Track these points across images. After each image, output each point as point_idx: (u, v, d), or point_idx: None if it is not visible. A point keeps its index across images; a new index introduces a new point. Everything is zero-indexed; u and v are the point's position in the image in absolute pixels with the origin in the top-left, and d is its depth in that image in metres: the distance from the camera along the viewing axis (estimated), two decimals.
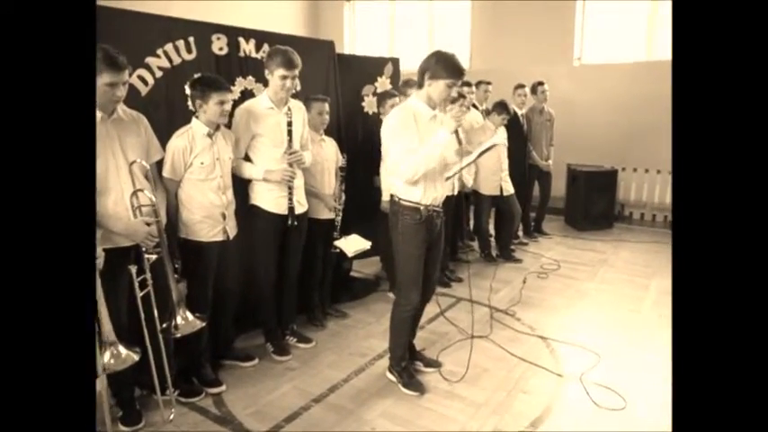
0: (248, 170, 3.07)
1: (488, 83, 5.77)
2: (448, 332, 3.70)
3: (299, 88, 3.64)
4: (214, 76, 2.90)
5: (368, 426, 2.64)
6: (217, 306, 2.93)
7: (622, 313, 4.08)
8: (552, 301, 4.31)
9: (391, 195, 2.87)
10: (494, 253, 5.42)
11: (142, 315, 2.41)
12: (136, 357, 2.25)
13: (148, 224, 2.40)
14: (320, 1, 9.85)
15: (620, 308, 4.18)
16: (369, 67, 4.49)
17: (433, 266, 2.98)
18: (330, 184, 3.67)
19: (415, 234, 2.78)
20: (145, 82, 2.91)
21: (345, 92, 4.19)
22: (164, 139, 2.69)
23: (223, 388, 2.91)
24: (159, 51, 2.96)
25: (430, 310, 3.33)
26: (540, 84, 6.04)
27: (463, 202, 5.30)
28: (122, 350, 2.22)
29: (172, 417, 2.63)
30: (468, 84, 5.00)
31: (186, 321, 2.52)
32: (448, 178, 2.86)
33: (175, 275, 2.55)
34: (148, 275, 2.42)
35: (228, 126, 2.98)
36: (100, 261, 2.24)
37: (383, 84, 4.48)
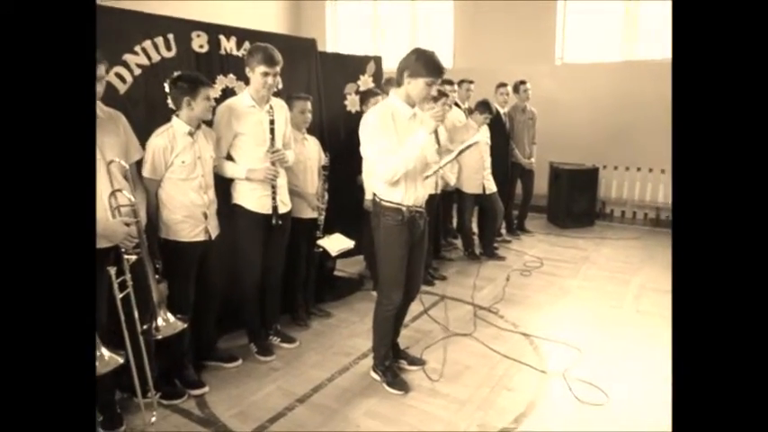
0: (230, 169, 3.04)
1: (471, 81, 5.78)
2: (432, 330, 3.70)
3: (280, 86, 3.62)
4: (195, 72, 2.87)
5: (353, 425, 2.63)
6: (199, 307, 2.90)
7: (604, 309, 4.12)
8: (535, 299, 4.34)
9: (373, 196, 2.85)
10: (477, 251, 5.44)
11: (122, 317, 2.37)
12: (120, 360, 2.20)
13: (128, 225, 2.36)
14: (302, 0, 9.80)
15: (601, 304, 4.22)
16: (351, 66, 4.47)
17: (418, 266, 2.97)
18: (313, 183, 3.65)
19: (397, 235, 2.76)
20: (123, 80, 2.87)
21: (328, 90, 4.17)
22: (143, 137, 2.65)
23: (206, 389, 2.88)
24: (137, 48, 2.92)
25: (414, 308, 3.33)
26: (523, 82, 6.07)
27: (446, 201, 5.33)
28: (105, 352, 2.17)
29: (154, 420, 2.60)
30: (450, 82, 5.01)
31: (167, 323, 2.48)
32: (427, 177, 2.83)
33: (156, 276, 2.52)
34: (128, 277, 2.38)
35: (209, 124, 2.95)
36: None
37: (366, 82, 4.47)
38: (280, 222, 3.14)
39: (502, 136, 5.70)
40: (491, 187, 5.26)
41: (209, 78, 2.92)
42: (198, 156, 2.75)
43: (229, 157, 3.06)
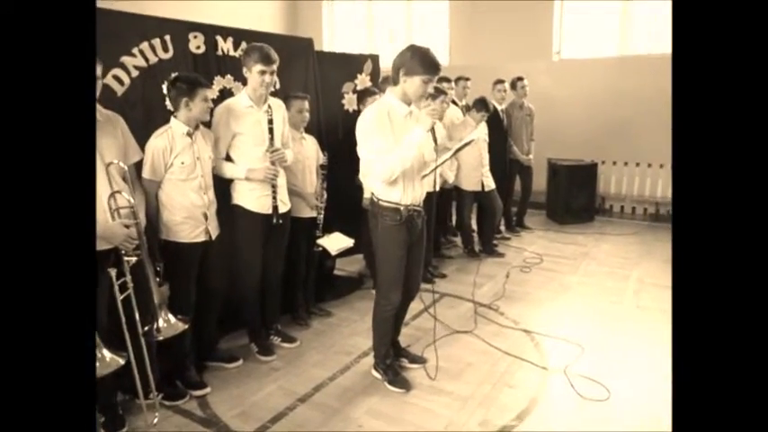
0: (230, 170, 3.04)
1: (467, 79, 5.79)
2: (432, 328, 3.70)
3: (278, 86, 3.62)
4: (193, 74, 2.87)
5: (354, 424, 2.64)
6: (200, 307, 2.91)
7: (604, 305, 4.12)
8: (535, 295, 4.34)
9: (371, 195, 2.84)
10: (476, 248, 5.44)
11: (123, 318, 2.37)
12: (121, 361, 2.20)
13: (127, 226, 2.36)
14: (298, 1, 9.79)
15: (602, 300, 4.23)
16: (348, 65, 4.47)
17: (417, 265, 2.96)
18: (312, 182, 3.65)
19: (395, 235, 2.75)
20: (121, 82, 2.86)
21: (325, 89, 4.17)
22: (141, 139, 2.65)
23: (208, 390, 2.88)
24: (135, 50, 2.92)
25: (414, 306, 3.33)
26: (520, 79, 6.07)
27: (445, 199, 5.33)
28: (107, 354, 2.17)
29: (156, 421, 2.60)
30: (447, 80, 5.01)
31: (168, 324, 2.49)
32: (424, 176, 2.82)
33: (157, 278, 2.52)
34: (128, 278, 2.38)
35: (207, 125, 2.95)
36: None
37: (363, 81, 4.47)
38: (280, 221, 3.14)
39: (500, 133, 5.70)
40: (490, 184, 5.26)
41: (206, 79, 2.92)
42: (197, 156, 2.75)
43: (228, 158, 3.06)
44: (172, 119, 2.74)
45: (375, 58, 4.58)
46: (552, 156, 7.07)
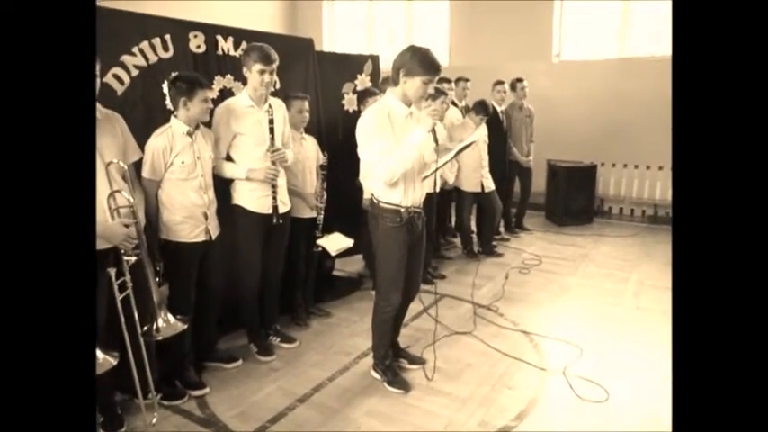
0: (230, 170, 3.03)
1: (467, 80, 5.79)
2: (431, 329, 3.70)
3: (278, 86, 3.62)
4: (194, 73, 2.86)
5: (353, 424, 2.63)
6: (200, 307, 2.90)
7: (603, 307, 4.12)
8: (534, 296, 4.34)
9: (371, 197, 2.83)
10: (476, 249, 5.44)
11: (122, 318, 2.37)
12: (113, 361, 2.20)
13: (127, 226, 2.36)
14: (298, 1, 9.79)
15: (601, 301, 4.23)
16: (348, 65, 4.47)
17: (416, 267, 2.96)
18: (311, 182, 3.65)
19: (395, 236, 2.74)
20: (121, 81, 2.86)
21: (325, 90, 4.17)
22: (141, 139, 2.65)
23: (207, 390, 2.88)
24: (135, 49, 2.91)
25: (413, 307, 3.32)
26: (520, 80, 6.07)
27: (445, 200, 5.33)
28: (99, 354, 2.17)
29: (155, 421, 2.59)
30: (447, 80, 5.01)
31: (168, 324, 2.48)
32: (425, 177, 2.81)
33: (157, 278, 2.51)
34: (128, 278, 2.38)
35: (208, 125, 2.95)
36: None
37: (363, 82, 4.47)
38: (280, 222, 3.14)
39: (499, 134, 5.70)
40: (489, 185, 5.26)
41: (206, 79, 2.91)
42: (197, 156, 2.75)
43: (228, 158, 3.06)
44: (172, 118, 2.74)
45: (375, 59, 4.58)
46: (551, 157, 7.08)
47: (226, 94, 3.34)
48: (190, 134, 2.72)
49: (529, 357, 3.28)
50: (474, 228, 5.59)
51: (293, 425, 2.63)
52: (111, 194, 2.34)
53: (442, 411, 2.74)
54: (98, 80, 2.31)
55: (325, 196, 3.78)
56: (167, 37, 3.05)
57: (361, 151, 2.72)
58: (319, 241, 3.72)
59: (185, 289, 2.80)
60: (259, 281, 3.24)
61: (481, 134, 5.02)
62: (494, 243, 5.55)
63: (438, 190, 4.45)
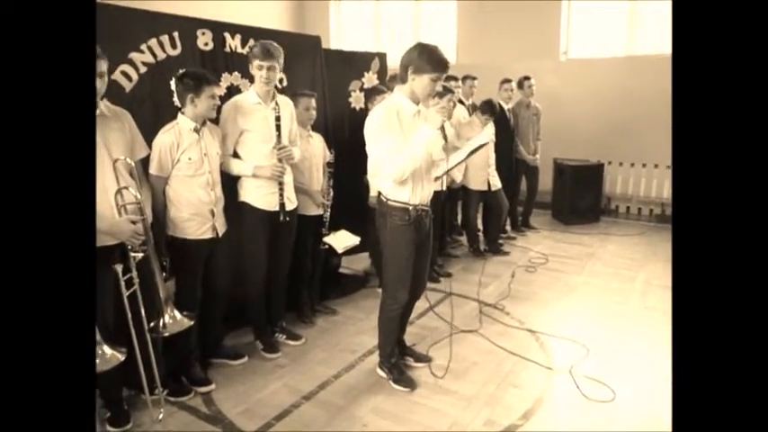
0: (237, 167, 3.04)
1: (474, 78, 5.76)
2: (437, 327, 3.70)
3: (285, 83, 3.62)
4: (201, 70, 2.87)
5: (359, 422, 2.63)
6: (206, 304, 2.91)
7: (610, 306, 4.11)
8: (541, 295, 4.33)
9: (378, 195, 2.82)
10: (482, 247, 5.43)
11: (129, 314, 2.38)
12: (121, 357, 2.21)
13: (134, 222, 2.36)
14: (306, 0, 9.79)
15: (607, 300, 4.21)
16: (355, 63, 4.46)
17: (423, 265, 2.96)
18: (318, 180, 3.65)
19: (404, 234, 2.74)
20: (129, 78, 2.87)
21: (332, 87, 4.17)
22: (149, 135, 2.65)
23: (212, 387, 2.89)
24: (143, 46, 2.92)
25: (419, 305, 3.32)
26: (527, 78, 6.05)
27: (451, 198, 5.31)
28: (107, 350, 2.18)
29: (161, 417, 2.61)
30: (454, 78, 4.99)
31: (174, 320, 2.49)
32: (437, 178, 2.79)
33: (164, 274, 2.52)
34: (134, 274, 2.38)
35: (215, 122, 2.95)
36: None
37: (370, 79, 4.46)
38: (287, 219, 3.14)
39: (506, 132, 5.68)
40: (496, 184, 5.25)
41: (214, 76, 2.91)
42: (204, 152, 2.75)
43: (235, 155, 3.06)
44: (179, 115, 2.74)
45: (382, 57, 4.57)
46: (558, 156, 7.05)
47: (233, 91, 3.34)
48: (197, 131, 2.73)
49: (535, 356, 3.27)
50: (480, 226, 5.58)
51: (299, 422, 2.63)
52: (119, 191, 2.35)
53: (448, 410, 2.73)
54: (106, 77, 2.32)
55: (331, 194, 3.77)
56: (175, 34, 3.05)
57: (369, 149, 2.71)
58: (326, 239, 3.72)
59: (192, 286, 2.81)
60: (265, 278, 3.24)
61: (490, 134, 5.00)
62: (500, 241, 5.54)
63: (445, 188, 4.47)
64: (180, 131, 2.69)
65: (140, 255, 2.40)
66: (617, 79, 7.08)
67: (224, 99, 3.12)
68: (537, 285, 4.56)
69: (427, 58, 2.53)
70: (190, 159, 2.70)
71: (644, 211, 7.16)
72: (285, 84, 3.66)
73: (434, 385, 2.96)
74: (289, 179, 3.18)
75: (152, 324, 2.47)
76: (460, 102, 5.35)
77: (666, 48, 6.88)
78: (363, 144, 2.76)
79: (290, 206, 3.20)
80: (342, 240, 3.78)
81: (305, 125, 3.51)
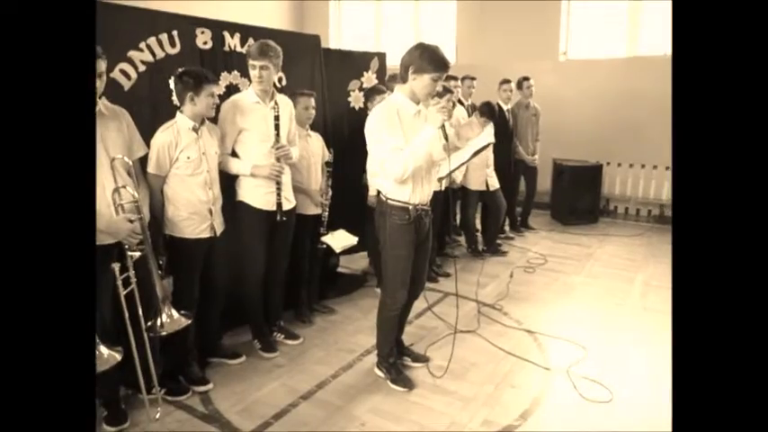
0: (235, 166, 3.03)
1: (473, 78, 5.76)
2: (436, 327, 3.70)
3: (284, 83, 3.62)
4: (200, 69, 2.86)
5: (357, 422, 2.63)
6: (204, 303, 2.90)
7: (608, 306, 4.11)
8: (539, 296, 4.33)
9: (378, 194, 2.82)
10: (480, 248, 5.43)
11: (126, 313, 2.37)
12: (118, 357, 2.21)
13: (131, 221, 2.36)
14: (306, 1, 9.79)
15: (606, 301, 4.21)
16: (355, 63, 4.46)
17: (422, 265, 2.96)
18: (317, 179, 3.65)
19: (403, 234, 2.73)
20: (128, 76, 2.86)
21: (331, 87, 4.16)
22: (148, 134, 2.65)
23: (210, 386, 2.88)
24: (142, 45, 2.91)
25: (418, 305, 3.32)
26: (526, 79, 6.05)
27: (450, 198, 5.31)
28: (104, 350, 2.17)
29: (158, 416, 2.60)
30: (454, 78, 4.99)
31: (172, 319, 2.49)
32: (441, 179, 2.78)
33: (160, 272, 2.52)
34: (132, 273, 2.38)
35: (214, 121, 2.95)
36: None
37: (369, 79, 4.46)
38: (284, 219, 3.14)
39: (505, 133, 5.68)
40: (494, 184, 5.25)
41: (213, 75, 2.90)
42: (203, 151, 2.74)
43: (234, 154, 3.06)
44: (178, 113, 2.73)
45: (382, 56, 4.57)
46: (557, 156, 7.06)
47: (232, 90, 3.34)
48: (195, 129, 2.72)
49: (533, 357, 3.27)
50: (479, 226, 5.58)
51: (296, 422, 2.63)
52: (116, 190, 2.34)
53: (446, 410, 2.73)
54: (105, 76, 2.32)
55: (330, 193, 3.77)
56: (174, 33, 3.04)
57: (370, 148, 2.72)
58: (324, 238, 3.72)
59: (189, 285, 2.80)
60: (263, 277, 3.24)
61: (491, 136, 4.99)
62: (499, 242, 5.54)
63: (444, 188, 4.47)
64: (178, 130, 2.69)
65: (138, 254, 2.40)
66: (616, 80, 7.09)
67: (223, 98, 3.12)
68: (535, 286, 4.56)
69: (428, 58, 2.54)
70: (188, 158, 2.69)
71: (642, 211, 7.17)
72: (284, 83, 3.66)
73: (432, 385, 2.96)
74: (287, 179, 3.17)
75: (149, 323, 2.47)
76: (460, 102, 5.35)
77: (665, 48, 6.88)
78: (362, 144, 2.75)
79: (288, 206, 3.19)
80: (340, 240, 3.77)
81: (304, 124, 3.51)
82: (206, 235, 2.81)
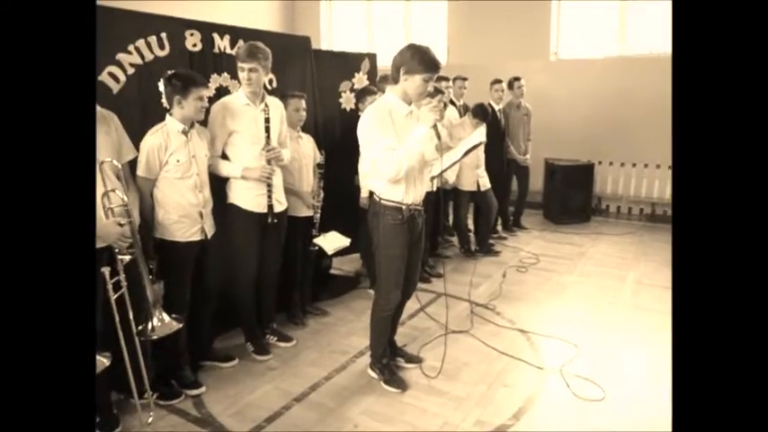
0: (226, 168, 3.02)
1: (464, 78, 5.77)
2: (429, 327, 3.70)
3: (275, 84, 3.61)
4: (190, 71, 2.85)
5: (350, 423, 2.63)
6: (195, 307, 2.89)
7: (601, 305, 4.12)
8: (532, 295, 4.34)
9: (371, 195, 2.82)
10: (473, 248, 5.44)
11: (116, 318, 2.36)
12: (106, 362, 2.19)
13: (121, 225, 2.34)
14: (296, 0, 9.78)
15: (598, 300, 4.23)
16: (346, 64, 4.46)
17: (415, 265, 2.95)
18: (308, 181, 3.64)
19: (397, 234, 2.73)
20: (116, 79, 2.84)
21: (322, 88, 4.16)
22: (137, 137, 2.63)
23: (203, 389, 2.87)
24: (131, 47, 2.89)
25: (410, 306, 3.32)
26: (517, 79, 6.06)
27: (441, 199, 5.32)
28: None
29: (150, 420, 2.58)
30: (445, 78, 5.00)
31: (163, 323, 2.47)
32: (433, 178, 2.79)
33: (150, 276, 2.50)
34: (122, 277, 2.36)
35: (204, 123, 2.93)
36: None
37: (360, 80, 4.46)
38: (275, 221, 3.13)
39: (497, 133, 5.69)
40: (485, 184, 5.26)
41: (203, 77, 2.88)
42: (193, 154, 2.73)
43: (224, 156, 3.05)
44: (167, 116, 2.72)
45: (372, 57, 4.57)
46: (549, 156, 7.08)
47: (222, 92, 3.32)
48: (185, 132, 2.71)
49: (526, 356, 3.28)
50: (471, 226, 5.59)
51: (289, 424, 2.62)
52: (105, 193, 2.33)
53: (439, 410, 2.73)
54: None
55: (322, 195, 3.77)
56: (163, 35, 3.03)
57: (363, 149, 2.72)
58: (316, 240, 3.71)
59: (181, 288, 2.79)
60: (255, 280, 3.23)
61: (483, 136, 5.00)
62: (491, 242, 5.55)
63: (436, 189, 4.47)
64: (168, 133, 2.67)
65: (128, 257, 2.38)
66: (607, 79, 7.11)
67: (213, 100, 3.10)
68: (528, 285, 4.57)
69: (419, 59, 2.55)
70: (178, 161, 2.68)
71: (634, 210, 7.20)
72: (275, 85, 3.65)
73: (425, 386, 2.96)
74: (278, 181, 3.16)
75: (140, 327, 2.45)
76: (451, 102, 5.35)
77: (657, 48, 6.91)
78: (354, 145, 2.75)
79: (279, 208, 3.18)
80: (332, 242, 3.77)
81: (295, 126, 3.50)
82: (197, 238, 2.80)
